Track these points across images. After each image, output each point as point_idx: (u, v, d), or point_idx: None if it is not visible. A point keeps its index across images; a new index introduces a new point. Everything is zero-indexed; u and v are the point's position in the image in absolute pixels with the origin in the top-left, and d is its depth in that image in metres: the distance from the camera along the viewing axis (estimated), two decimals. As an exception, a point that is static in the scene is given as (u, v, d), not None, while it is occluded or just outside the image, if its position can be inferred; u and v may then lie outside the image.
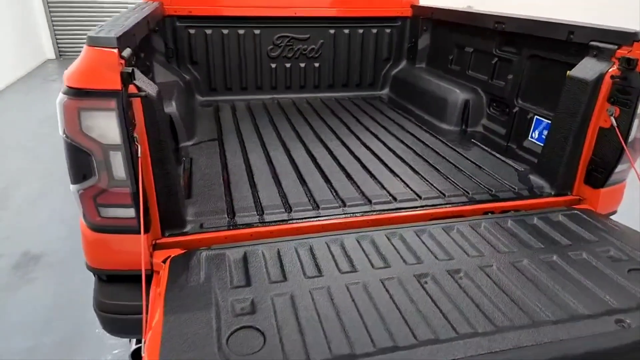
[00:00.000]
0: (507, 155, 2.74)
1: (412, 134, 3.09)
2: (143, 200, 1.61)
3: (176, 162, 2.52)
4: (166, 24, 3.46)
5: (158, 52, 3.38)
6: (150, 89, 1.62)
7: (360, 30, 3.89)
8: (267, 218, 1.97)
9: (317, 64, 3.93)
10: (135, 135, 1.57)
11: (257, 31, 3.69)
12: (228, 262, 1.65)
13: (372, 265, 1.64)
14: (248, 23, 3.65)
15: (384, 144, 2.89)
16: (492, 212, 2.14)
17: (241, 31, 3.65)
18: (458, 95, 3.22)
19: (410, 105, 3.72)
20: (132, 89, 1.54)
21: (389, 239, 1.81)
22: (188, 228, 1.86)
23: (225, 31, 3.62)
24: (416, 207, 2.11)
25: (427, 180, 2.38)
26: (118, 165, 1.53)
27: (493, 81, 3.08)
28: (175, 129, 2.70)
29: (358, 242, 1.79)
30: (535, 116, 2.68)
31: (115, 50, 1.44)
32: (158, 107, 1.65)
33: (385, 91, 4.15)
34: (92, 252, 1.73)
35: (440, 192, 2.24)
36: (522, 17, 2.70)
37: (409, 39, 4.00)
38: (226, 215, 1.98)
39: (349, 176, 2.40)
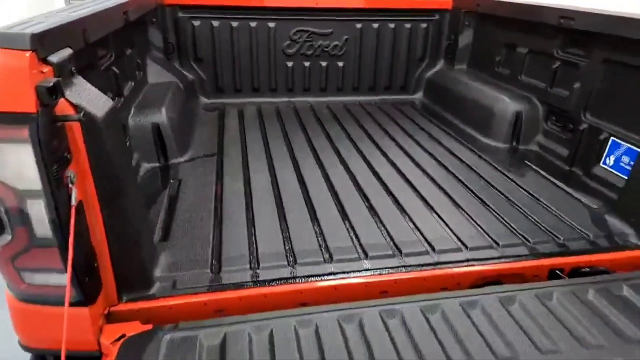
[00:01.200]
0: (571, 184, 2.18)
1: (450, 152, 2.56)
2: (84, 261, 1.15)
3: (162, 186, 2.08)
4: (166, 14, 3.00)
5: (155, 48, 2.93)
6: (94, 107, 1.15)
7: (392, 25, 3.35)
8: (263, 275, 1.49)
9: (340, 63, 3.41)
10: (69, 173, 1.10)
11: (271, 24, 3.19)
12: (199, 353, 1.17)
13: None
14: (261, 14, 3.15)
15: (417, 165, 2.36)
16: (561, 271, 1.61)
17: (253, 24, 3.16)
18: (507, 104, 2.67)
19: (447, 114, 3.17)
20: (63, 108, 1.07)
21: (425, 318, 1.30)
22: (155, 289, 1.40)
23: (234, 23, 3.13)
24: (461, 261, 1.59)
25: (472, 219, 1.85)
26: (39, 217, 1.07)
27: (553, 89, 2.51)
28: (164, 141, 2.25)
29: (383, 321, 1.29)
30: (612, 137, 2.11)
31: (29, 54, 0.98)
32: (108, 133, 1.18)
33: (419, 96, 3.60)
34: (22, 326, 1.29)
35: (491, 239, 1.72)
36: (597, 11, 2.13)
37: (448, 36, 3.45)
38: (209, 270, 1.50)
39: (372, 210, 1.90)
